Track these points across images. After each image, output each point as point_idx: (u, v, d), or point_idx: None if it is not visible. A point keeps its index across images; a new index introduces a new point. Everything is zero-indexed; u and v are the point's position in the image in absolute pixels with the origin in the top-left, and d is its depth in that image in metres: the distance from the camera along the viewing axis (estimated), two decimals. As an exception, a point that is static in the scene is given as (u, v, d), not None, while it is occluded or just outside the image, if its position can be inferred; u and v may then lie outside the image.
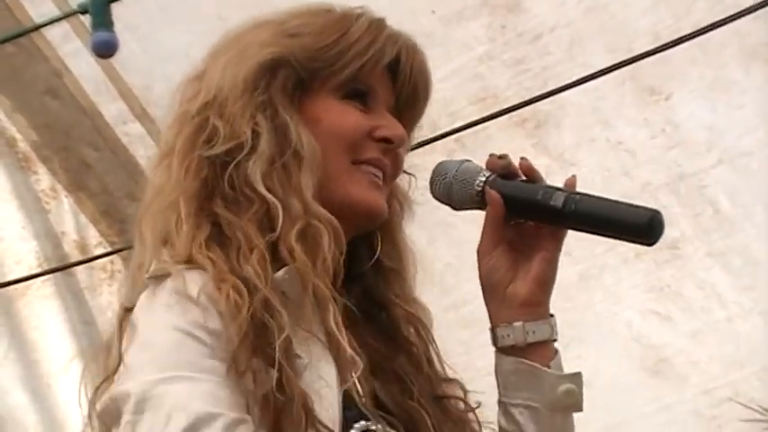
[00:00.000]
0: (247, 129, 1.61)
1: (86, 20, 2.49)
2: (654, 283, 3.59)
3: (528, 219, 1.68)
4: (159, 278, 1.56)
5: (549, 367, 1.65)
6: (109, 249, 4.21)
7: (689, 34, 3.13)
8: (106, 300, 4.33)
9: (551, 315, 1.68)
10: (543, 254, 1.67)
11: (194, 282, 1.52)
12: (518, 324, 1.66)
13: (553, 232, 1.67)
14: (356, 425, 1.56)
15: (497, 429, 1.71)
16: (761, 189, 3.39)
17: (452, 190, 1.70)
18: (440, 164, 1.72)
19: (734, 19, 3.03)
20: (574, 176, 1.67)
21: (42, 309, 4.35)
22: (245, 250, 1.55)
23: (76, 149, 4.16)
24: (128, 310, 1.59)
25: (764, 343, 3.45)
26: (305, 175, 1.60)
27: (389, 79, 1.71)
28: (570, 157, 3.40)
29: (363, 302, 1.71)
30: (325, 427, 1.49)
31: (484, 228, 1.69)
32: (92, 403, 1.61)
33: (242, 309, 1.49)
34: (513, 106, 3.32)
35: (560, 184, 1.67)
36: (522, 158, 1.68)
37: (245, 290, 1.50)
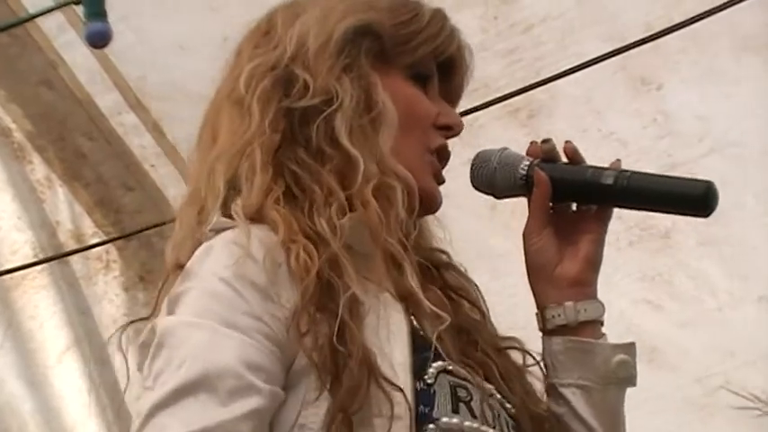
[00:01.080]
0: (337, 85, 1.60)
1: (80, 10, 2.48)
2: (646, 272, 3.60)
3: (576, 200, 1.67)
4: (219, 231, 1.54)
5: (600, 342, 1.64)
6: (104, 239, 4.20)
7: (680, 23, 3.12)
8: (101, 289, 4.33)
9: (595, 295, 1.67)
10: (590, 235, 1.67)
11: (259, 239, 1.50)
12: (569, 304, 1.65)
13: (599, 214, 1.67)
14: (434, 364, 1.52)
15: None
16: (752, 178, 3.39)
17: (496, 177, 1.69)
18: (480, 152, 1.71)
19: (725, 8, 3.03)
20: (618, 160, 1.66)
21: (38, 298, 4.34)
22: (320, 204, 1.54)
23: (71, 139, 4.16)
24: (179, 266, 1.57)
25: (756, 332, 3.46)
26: (384, 136, 1.60)
27: (442, 74, 1.72)
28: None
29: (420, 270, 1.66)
30: (390, 382, 1.45)
31: (530, 211, 1.68)
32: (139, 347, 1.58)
33: (311, 270, 1.48)
34: (506, 95, 3.32)
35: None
36: (566, 142, 1.68)
37: (314, 250, 1.49)
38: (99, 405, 4.38)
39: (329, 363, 1.45)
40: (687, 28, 3.18)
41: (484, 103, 3.27)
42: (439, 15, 1.69)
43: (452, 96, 1.74)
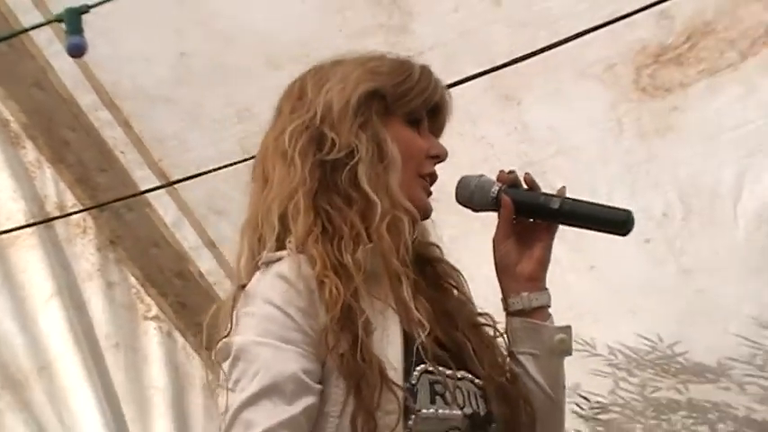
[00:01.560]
0: (356, 141, 1.67)
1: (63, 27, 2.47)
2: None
3: (532, 217, 1.74)
4: (270, 263, 1.62)
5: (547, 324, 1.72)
6: (81, 209, 4.16)
7: (536, 51, 3.16)
8: (79, 249, 4.30)
9: (545, 288, 1.75)
10: (542, 243, 1.74)
11: (298, 270, 1.60)
12: (525, 294, 1.74)
13: (549, 227, 1.75)
14: (417, 368, 1.60)
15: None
16: (587, 174, 3.42)
17: (474, 197, 1.77)
18: (462, 178, 1.79)
19: (569, 41, 3.07)
20: (564, 187, 1.75)
21: (28, 256, 4.28)
22: (347, 240, 1.62)
23: (57, 130, 4.10)
24: (242, 287, 1.65)
25: (586, 292, 3.49)
26: (393, 178, 1.67)
27: (430, 115, 1.79)
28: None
29: (419, 264, 1.76)
30: (398, 386, 1.55)
31: (498, 224, 1.76)
32: (215, 350, 1.67)
33: (338, 302, 1.57)
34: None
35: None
36: (526, 173, 1.76)
37: (341, 285, 1.58)
38: (77, 342, 4.33)
39: (352, 371, 1.55)
40: (541, 56, 3.20)
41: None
42: (426, 72, 1.77)
43: (438, 131, 1.81)
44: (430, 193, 1.77)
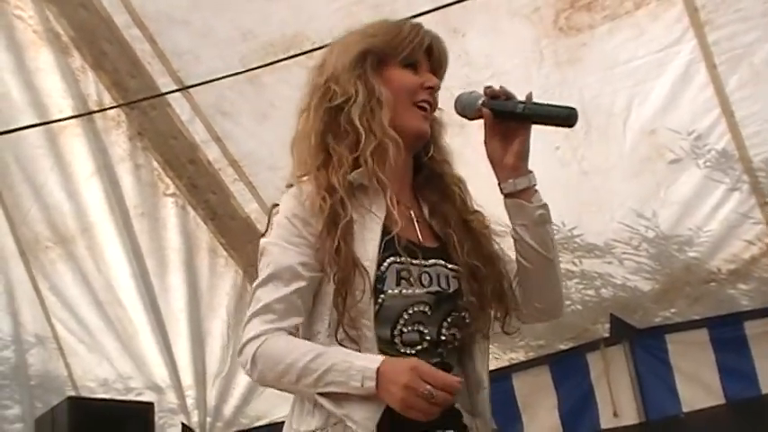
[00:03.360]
0: (353, 89, 1.69)
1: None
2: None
3: (508, 120, 1.71)
4: (289, 186, 1.71)
5: (531, 203, 1.71)
6: (116, 104, 4.08)
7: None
8: (114, 137, 4.25)
9: (530, 172, 1.72)
10: (519, 138, 1.71)
11: (304, 191, 1.67)
12: (510, 180, 1.72)
13: (523, 126, 1.71)
14: (388, 259, 1.64)
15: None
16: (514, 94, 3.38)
17: (466, 110, 1.75)
18: (459, 95, 1.77)
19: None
20: (530, 93, 1.71)
21: (74, 142, 4.23)
22: (336, 165, 1.66)
23: (98, 43, 3.98)
24: (275, 205, 1.72)
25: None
26: (382, 114, 1.68)
27: (427, 56, 1.77)
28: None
29: (429, 176, 1.79)
30: (366, 270, 1.60)
31: (485, 128, 1.73)
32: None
33: (324, 210, 1.63)
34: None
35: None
36: (500, 87, 1.74)
37: (328, 196, 1.63)
38: (111, 210, 4.32)
39: (333, 261, 1.61)
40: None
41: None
42: (415, 27, 1.76)
43: (437, 65, 1.79)
44: (428, 118, 1.75)
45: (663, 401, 3.91)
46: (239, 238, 4.32)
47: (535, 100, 1.70)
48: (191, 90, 3.89)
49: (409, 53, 1.73)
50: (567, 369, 4.10)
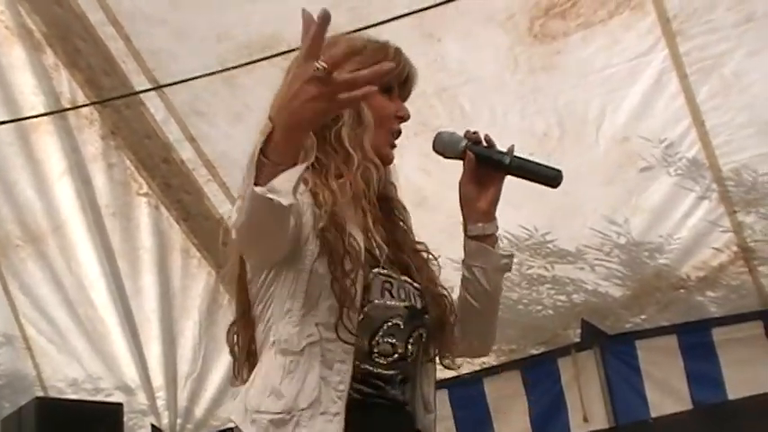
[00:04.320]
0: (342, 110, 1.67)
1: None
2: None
3: (488, 168, 1.76)
4: None
5: (494, 248, 1.78)
6: (89, 102, 4.05)
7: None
8: (87, 136, 4.22)
9: (496, 218, 1.78)
10: (494, 186, 1.77)
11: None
12: (480, 224, 1.76)
13: (501, 175, 1.76)
14: (373, 270, 1.64)
15: (461, 278, 1.82)
16: (488, 100, 3.39)
17: (446, 150, 1.78)
18: (438, 133, 1.80)
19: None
20: (512, 145, 1.75)
21: (46, 139, 4.19)
22: (332, 173, 1.65)
23: (72, 40, 3.95)
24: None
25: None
26: (366, 138, 1.69)
27: (403, 89, 1.77)
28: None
29: (380, 199, 1.78)
30: (356, 240, 1.60)
31: (464, 171, 1.78)
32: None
33: (329, 202, 1.60)
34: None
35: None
36: (485, 135, 1.77)
37: (330, 195, 1.61)
38: (83, 209, 4.29)
39: (330, 242, 1.58)
40: (457, 2, 3.18)
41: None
42: (398, 53, 1.75)
43: (406, 95, 1.79)
44: (394, 146, 1.78)
45: (632, 406, 3.95)
46: (212, 238, 4.30)
47: (516, 153, 1.75)
48: (165, 89, 3.87)
49: (390, 80, 1.73)
50: (539, 374, 4.13)
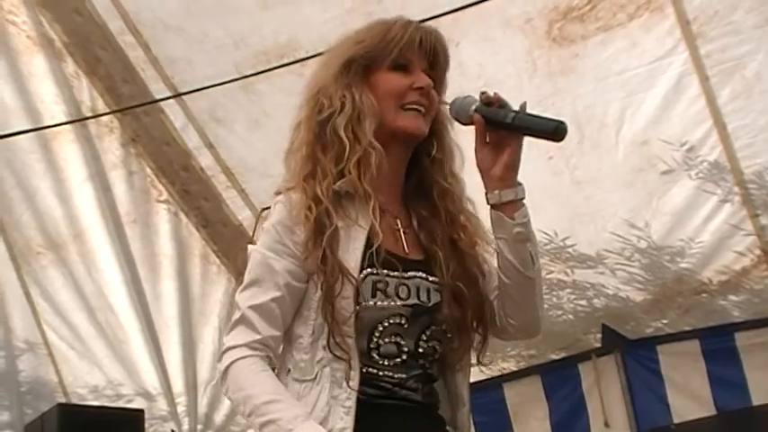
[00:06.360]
0: (338, 101, 1.67)
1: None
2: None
3: (498, 129, 1.65)
4: (278, 193, 1.70)
5: (513, 218, 1.65)
6: (109, 111, 4.07)
7: (471, 3, 3.12)
8: (107, 144, 4.24)
9: (519, 184, 1.67)
10: (510, 149, 1.65)
11: (291, 199, 1.66)
12: (496, 192, 1.66)
13: (515, 136, 1.65)
14: (365, 271, 1.62)
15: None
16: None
17: (459, 114, 1.70)
18: (454, 99, 1.72)
19: None
20: (524, 102, 1.66)
21: (67, 147, 4.21)
22: (320, 178, 1.64)
23: (92, 49, 3.98)
24: (264, 209, 1.78)
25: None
26: (367, 123, 1.65)
27: (424, 56, 1.72)
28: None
29: (419, 186, 1.75)
30: (352, 276, 1.59)
31: (475, 136, 1.68)
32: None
33: (310, 219, 1.62)
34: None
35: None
36: (494, 93, 1.67)
37: (314, 206, 1.62)
38: (103, 216, 4.30)
39: (319, 272, 1.61)
40: (475, 7, 3.16)
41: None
42: (399, 25, 1.71)
43: (433, 60, 1.72)
44: (420, 116, 1.68)
45: (654, 412, 3.91)
46: (231, 245, 4.31)
47: (528, 111, 1.64)
48: (184, 97, 3.88)
49: (398, 54, 1.68)
50: (559, 379, 4.09)
